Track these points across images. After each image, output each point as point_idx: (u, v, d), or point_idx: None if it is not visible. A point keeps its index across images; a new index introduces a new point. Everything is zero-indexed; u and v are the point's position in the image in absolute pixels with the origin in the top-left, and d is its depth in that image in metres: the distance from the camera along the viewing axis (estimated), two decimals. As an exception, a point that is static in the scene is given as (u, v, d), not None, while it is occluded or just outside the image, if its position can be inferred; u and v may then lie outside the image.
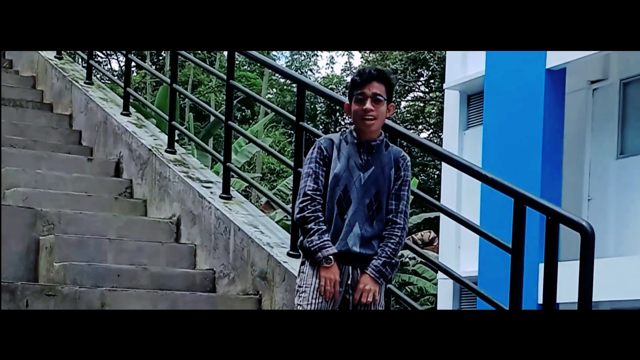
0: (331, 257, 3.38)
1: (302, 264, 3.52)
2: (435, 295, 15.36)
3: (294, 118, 4.80)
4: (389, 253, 3.46)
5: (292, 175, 5.72)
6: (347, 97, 3.53)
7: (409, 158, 3.58)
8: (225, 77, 5.45)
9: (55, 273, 4.72)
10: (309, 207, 3.42)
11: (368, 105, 3.42)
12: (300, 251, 3.54)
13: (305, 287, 3.45)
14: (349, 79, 28.33)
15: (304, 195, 3.44)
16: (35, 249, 4.95)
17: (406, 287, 18.66)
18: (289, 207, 5.10)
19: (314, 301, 3.41)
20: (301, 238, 3.49)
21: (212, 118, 18.65)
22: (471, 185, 10.48)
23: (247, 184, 14.05)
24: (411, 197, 3.69)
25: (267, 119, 20.05)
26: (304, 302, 3.44)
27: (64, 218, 5.12)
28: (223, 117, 5.44)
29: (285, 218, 13.99)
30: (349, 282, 3.45)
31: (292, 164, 4.79)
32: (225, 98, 5.60)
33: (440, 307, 11.89)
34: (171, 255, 5.19)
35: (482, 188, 9.50)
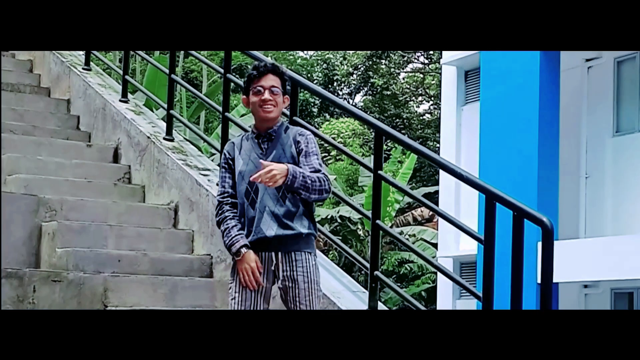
0: (240, 250, 3.50)
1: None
2: (436, 273, 15.38)
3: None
4: (304, 172, 3.45)
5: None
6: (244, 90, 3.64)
7: (308, 132, 3.67)
8: (222, 70, 5.55)
9: (58, 258, 4.82)
10: (218, 211, 3.62)
11: (266, 95, 3.56)
12: None
13: (230, 283, 3.59)
14: (339, 54, 28.11)
15: (216, 202, 3.65)
16: (38, 235, 5.04)
17: (406, 265, 18.50)
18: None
19: (236, 295, 3.53)
20: None
21: (204, 86, 18.63)
22: (469, 170, 10.46)
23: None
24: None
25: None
26: (229, 298, 3.58)
27: (66, 205, 5.21)
28: (220, 108, 5.55)
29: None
30: (273, 268, 3.54)
31: None
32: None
33: (440, 285, 11.91)
34: (170, 240, 5.28)
35: (480, 171, 9.50)
